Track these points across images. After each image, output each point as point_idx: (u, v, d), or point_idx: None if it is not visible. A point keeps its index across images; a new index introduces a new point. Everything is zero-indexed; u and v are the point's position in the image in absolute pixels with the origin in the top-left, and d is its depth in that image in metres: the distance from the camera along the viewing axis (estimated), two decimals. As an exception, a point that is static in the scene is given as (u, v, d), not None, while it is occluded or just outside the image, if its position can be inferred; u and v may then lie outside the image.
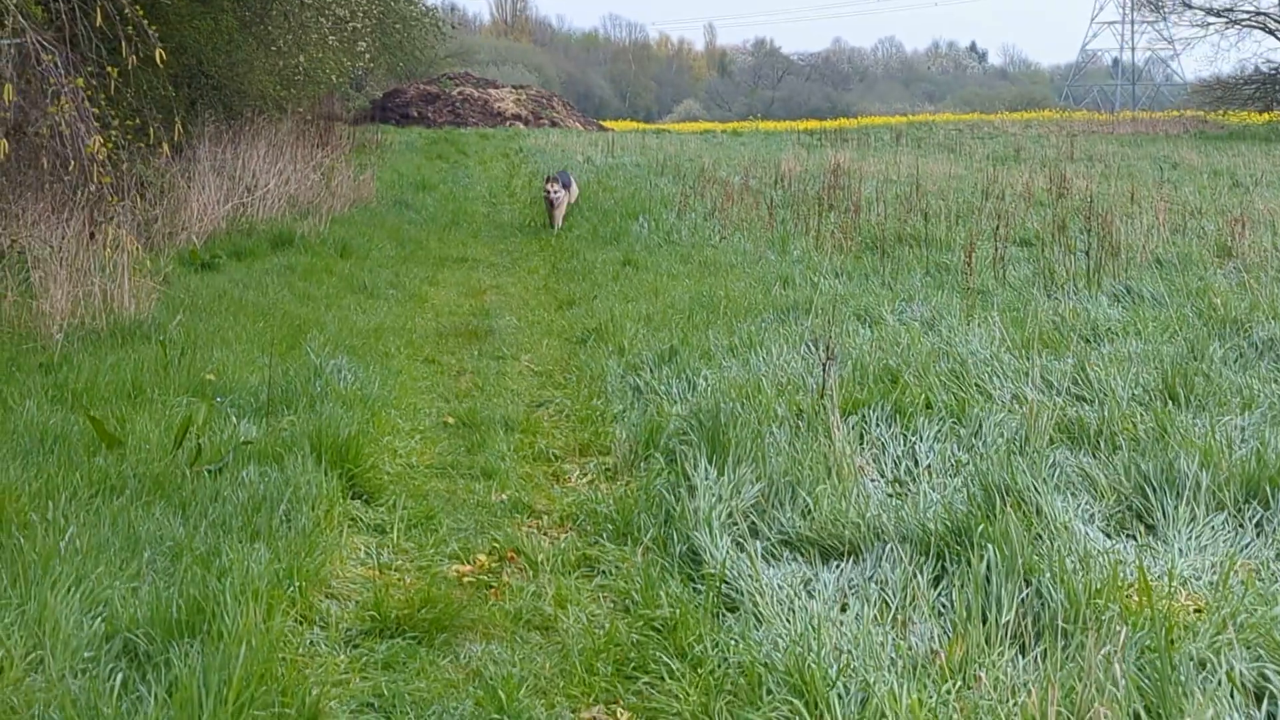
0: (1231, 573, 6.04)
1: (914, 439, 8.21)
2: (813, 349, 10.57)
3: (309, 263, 15.89)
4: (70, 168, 11.98)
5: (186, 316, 11.54)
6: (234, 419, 8.54)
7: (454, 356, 11.61)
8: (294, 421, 8.52)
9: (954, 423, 8.53)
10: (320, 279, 14.94)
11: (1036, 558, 6.03)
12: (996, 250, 15.22)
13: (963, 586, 5.74)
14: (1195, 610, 5.74)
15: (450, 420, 9.38)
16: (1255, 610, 5.52)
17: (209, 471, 7.35)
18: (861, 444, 8.13)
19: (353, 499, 7.58)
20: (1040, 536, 6.42)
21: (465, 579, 6.57)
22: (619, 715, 5.24)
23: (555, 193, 20.45)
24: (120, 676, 4.95)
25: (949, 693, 4.97)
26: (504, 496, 7.74)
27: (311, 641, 5.75)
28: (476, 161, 34.97)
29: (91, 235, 12.22)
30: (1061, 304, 12.62)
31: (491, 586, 6.48)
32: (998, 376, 9.59)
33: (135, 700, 4.81)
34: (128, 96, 15.46)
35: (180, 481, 7.17)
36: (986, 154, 36.33)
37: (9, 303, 10.88)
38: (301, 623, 5.88)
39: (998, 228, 16.34)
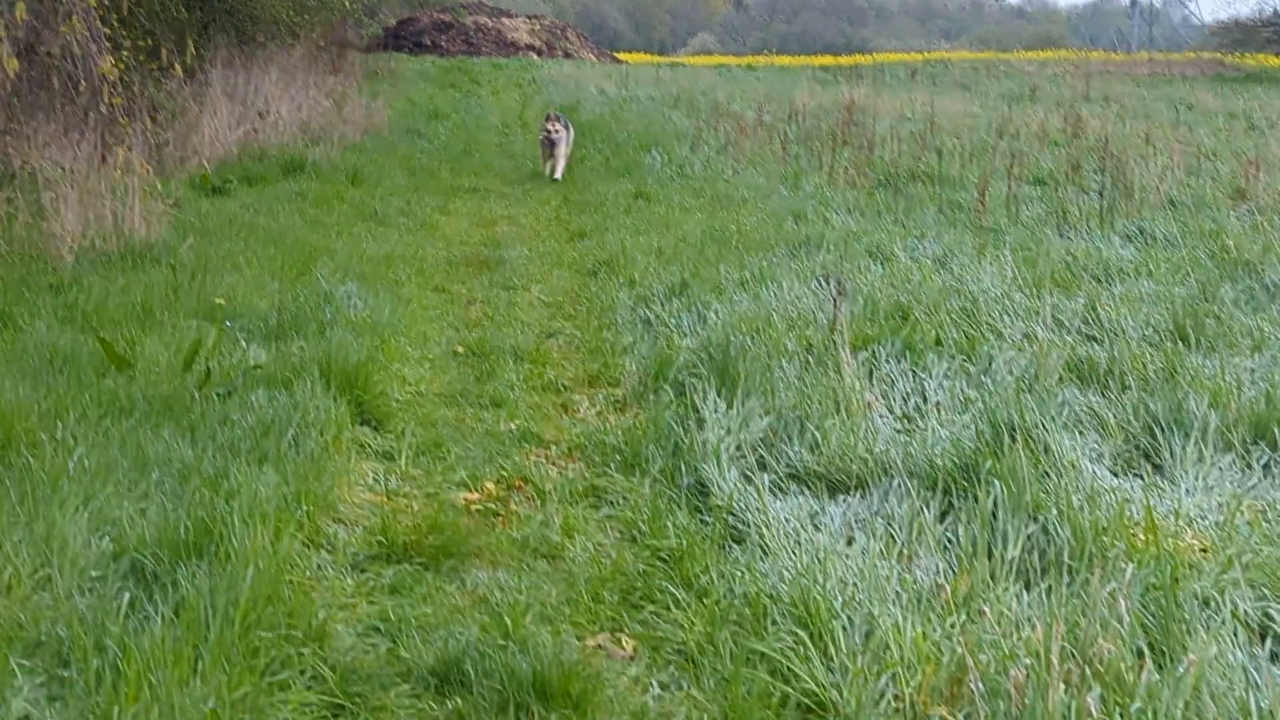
0: (1238, 513, 6.04)
1: (923, 376, 8.20)
2: (824, 284, 10.55)
3: (320, 189, 15.86)
4: (82, 88, 11.94)
5: (197, 240, 11.52)
6: (243, 343, 8.55)
7: (464, 286, 11.60)
8: (303, 347, 8.52)
9: (964, 360, 8.52)
10: (331, 206, 14.91)
11: (1043, 495, 6.03)
12: (1010, 189, 15.16)
13: (969, 522, 5.75)
14: (1201, 549, 5.75)
15: (460, 349, 9.38)
16: (1261, 550, 5.53)
17: (218, 395, 7.36)
18: (871, 380, 8.11)
19: (361, 425, 7.59)
20: (1048, 474, 6.42)
21: (473, 507, 6.58)
22: (624, 643, 5.26)
23: (556, 132, 18.34)
24: (128, 596, 4.96)
25: (953, 627, 4.98)
26: (512, 426, 7.74)
27: (319, 565, 5.77)
28: (489, 91, 34.83)
29: (103, 157, 12.19)
30: (1074, 244, 12.58)
31: (499, 514, 6.50)
32: (1009, 315, 9.58)
33: (143, 619, 4.83)
34: (140, 18, 15.41)
35: (189, 404, 7.18)
36: (1002, 93, 36.14)
37: (20, 223, 10.87)
38: (309, 546, 5.90)
39: (1011, 166, 16.26)
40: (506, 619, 5.20)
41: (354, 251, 12.13)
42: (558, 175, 18.25)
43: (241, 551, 5.25)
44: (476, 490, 6.78)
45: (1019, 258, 11.53)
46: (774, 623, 5.15)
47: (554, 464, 7.20)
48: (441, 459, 7.17)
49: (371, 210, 14.92)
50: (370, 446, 7.33)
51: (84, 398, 7.08)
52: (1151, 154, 18.54)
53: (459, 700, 4.71)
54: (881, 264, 11.76)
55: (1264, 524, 5.92)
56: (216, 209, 13.86)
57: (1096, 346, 8.85)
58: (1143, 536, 5.69)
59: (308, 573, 5.64)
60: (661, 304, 10.22)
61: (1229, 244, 12.06)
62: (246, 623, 4.78)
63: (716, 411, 7.32)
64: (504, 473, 6.98)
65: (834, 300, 9.11)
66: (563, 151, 18.45)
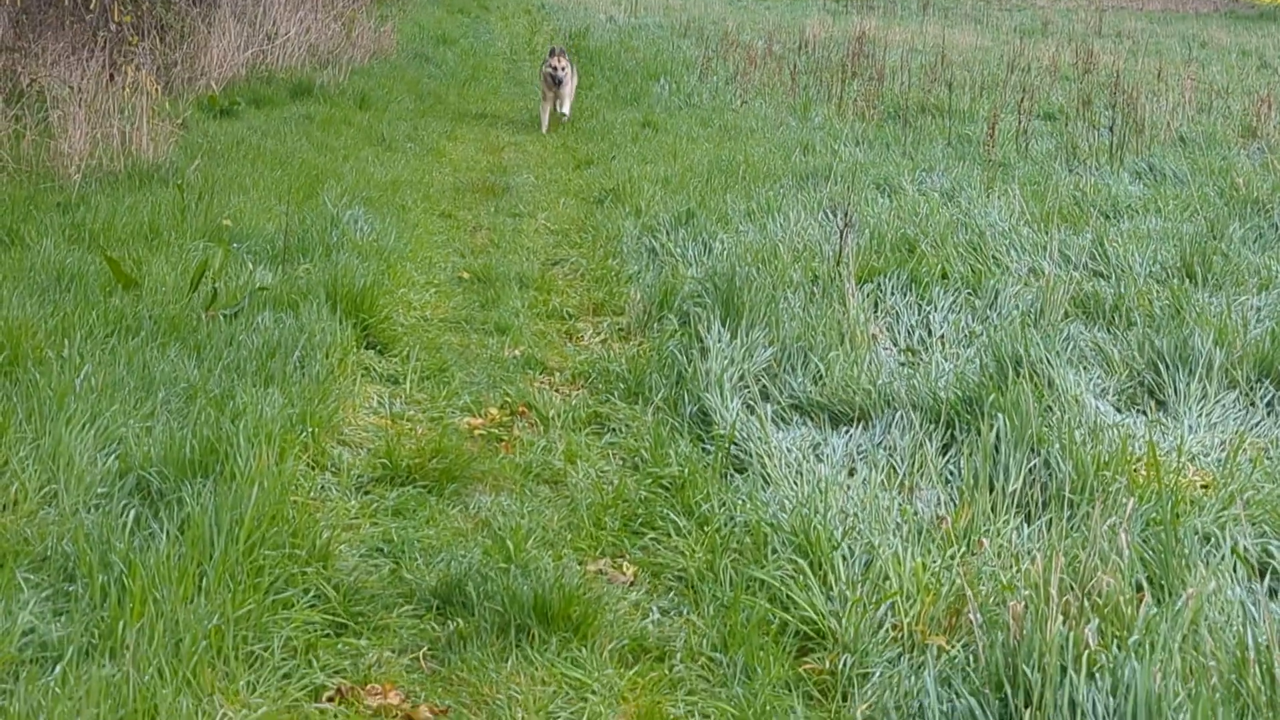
0: (1240, 450, 6.06)
1: (929, 309, 8.21)
2: (830, 216, 10.53)
3: (328, 113, 15.79)
4: (90, 6, 11.88)
5: (204, 162, 11.49)
6: (250, 265, 8.55)
7: (471, 212, 11.58)
8: (310, 270, 8.52)
9: (969, 294, 8.52)
10: (339, 130, 14.85)
11: (1046, 429, 6.05)
12: (1020, 123, 15.10)
13: (971, 455, 5.77)
14: (1202, 486, 5.78)
15: (465, 275, 9.39)
16: (1263, 487, 5.55)
17: (224, 316, 7.37)
18: (876, 312, 8.13)
19: (367, 349, 7.60)
20: (1051, 408, 6.43)
21: (476, 431, 6.61)
22: (625, 569, 5.29)
23: (562, 69, 16.12)
24: (133, 513, 4.99)
25: (952, 558, 5.02)
26: (517, 352, 7.76)
27: (323, 486, 5.80)
28: (498, 17, 34.59)
29: (111, 77, 12.14)
30: (1083, 179, 12.55)
31: (502, 440, 6.52)
32: (1015, 249, 9.56)
33: (147, 536, 4.86)
34: (148, -66, 15.29)
35: (195, 324, 7.19)
36: (1014, 26, 35.86)
37: (27, 142, 10.84)
38: (313, 468, 5.93)
39: (1022, 101, 16.20)
40: (508, 543, 5.24)
41: (361, 176, 12.10)
42: (565, 112, 16.53)
43: (246, 471, 5.28)
44: (480, 415, 6.80)
45: (1027, 192, 11.50)
46: (774, 551, 5.18)
47: (557, 391, 7.22)
48: (446, 384, 7.19)
49: (379, 135, 14.86)
50: (375, 370, 7.35)
51: (91, 316, 7.09)
52: (1163, 90, 18.46)
53: (460, 621, 4.75)
54: (889, 196, 11.73)
55: (1266, 461, 5.95)
56: (224, 131, 13.80)
57: (1103, 282, 8.85)
58: (1144, 472, 5.72)
59: (312, 494, 5.68)
60: (667, 233, 10.21)
61: (1238, 182, 12.02)
62: (251, 541, 4.81)
63: (720, 341, 7.33)
64: (508, 398, 7.00)
65: (840, 232, 9.11)
66: (569, 90, 16.53)
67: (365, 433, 6.48)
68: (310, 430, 6.07)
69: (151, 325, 7.09)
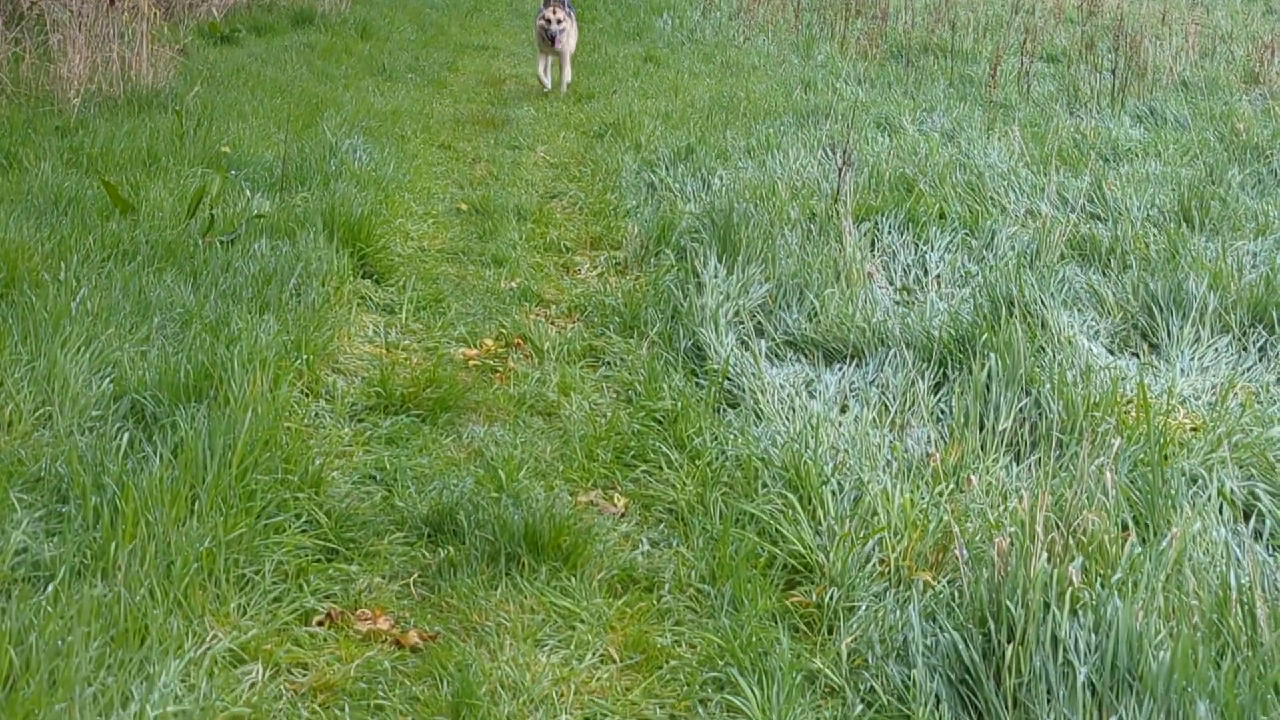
0: (1231, 394, 6.09)
1: (925, 248, 8.20)
2: (830, 154, 10.50)
3: (329, 42, 15.75)
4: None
5: (204, 88, 11.46)
6: (248, 192, 8.55)
7: (470, 144, 11.56)
8: (307, 198, 8.52)
9: (966, 234, 8.51)
10: (339, 59, 14.81)
11: (1038, 369, 6.07)
12: (1022, 65, 15.04)
13: (963, 393, 5.78)
14: (1192, 429, 5.79)
15: (463, 206, 9.38)
16: (1251, 431, 5.57)
17: (221, 242, 7.37)
18: (872, 250, 8.13)
19: (363, 278, 7.61)
20: (1043, 349, 6.45)
21: (471, 362, 6.63)
22: (616, 500, 5.33)
23: (559, 21, 13.75)
24: (127, 436, 5.02)
25: (941, 495, 5.05)
26: (513, 284, 7.77)
27: (316, 414, 5.83)
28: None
29: (111, 1, 12.08)
30: (1083, 122, 12.51)
31: (497, 371, 6.55)
32: (1014, 190, 9.55)
33: (141, 460, 4.89)
34: None
35: (192, 250, 7.19)
36: (1020, -32, 35.66)
37: (26, 65, 10.81)
38: (307, 395, 5.95)
39: (1025, 42, 16.11)
40: (500, 472, 5.27)
41: (361, 105, 12.07)
42: (565, 80, 14.13)
43: (240, 396, 5.30)
44: (475, 346, 6.82)
45: (1027, 134, 11.46)
46: (764, 486, 5.21)
47: (553, 323, 7.24)
48: (441, 314, 7.21)
49: (379, 65, 14.81)
50: (371, 299, 7.36)
51: (88, 240, 7.10)
52: (1167, 34, 18.36)
53: (451, 549, 4.79)
54: (889, 135, 11.70)
55: (1256, 405, 5.96)
56: (224, 58, 13.77)
57: (1100, 225, 8.84)
58: (1134, 414, 5.74)
59: (305, 420, 5.70)
60: (666, 168, 10.20)
61: (1239, 127, 11.98)
62: (244, 466, 4.84)
63: (716, 277, 7.34)
64: (503, 330, 7.02)
65: (839, 170, 9.09)
66: (568, 46, 14.08)
67: (360, 361, 6.50)
68: (305, 358, 6.08)
69: (148, 250, 7.09)
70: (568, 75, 14.17)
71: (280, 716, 3.82)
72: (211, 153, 9.34)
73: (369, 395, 6.06)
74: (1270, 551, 4.78)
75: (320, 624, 4.34)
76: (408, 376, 6.24)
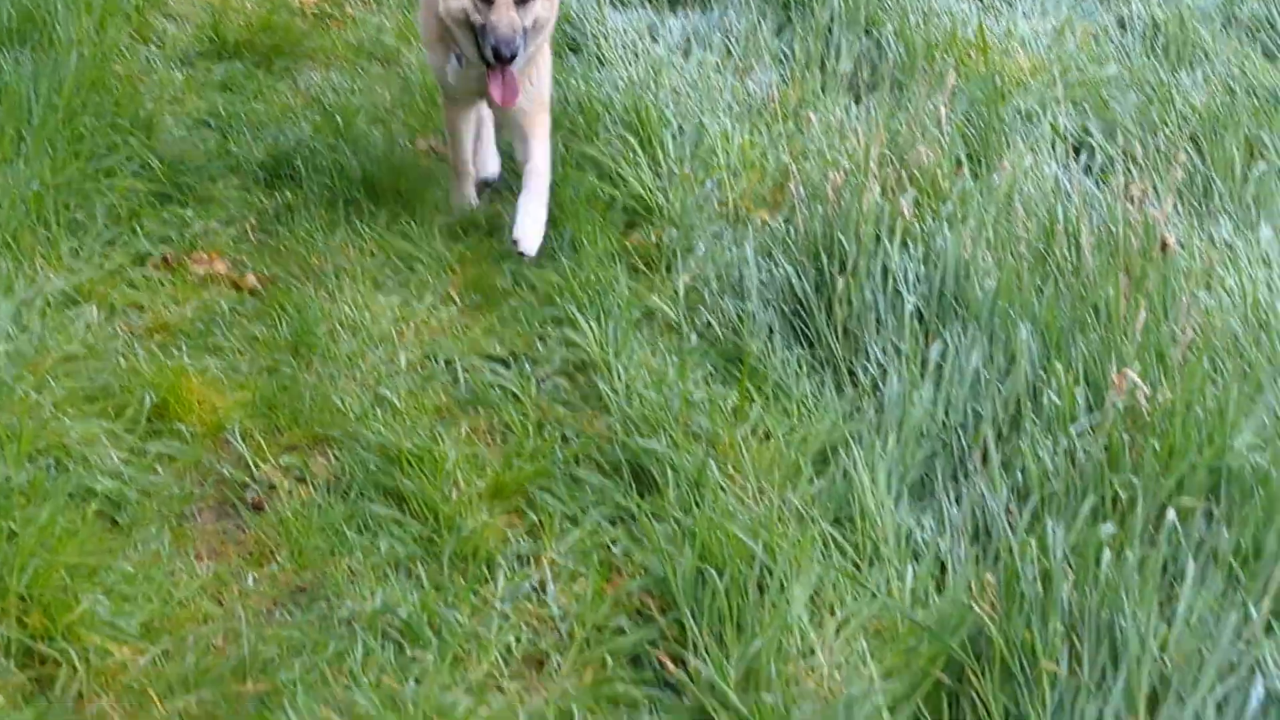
0: (1068, 34, 6.11)
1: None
2: None
3: None
4: None
5: None
6: None
7: None
8: None
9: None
10: None
11: (880, 12, 6.04)
12: None
13: (805, 36, 5.75)
14: (1031, 70, 5.83)
15: None
16: (1086, 69, 5.62)
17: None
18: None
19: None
20: (887, -9, 6.41)
21: (308, 8, 6.45)
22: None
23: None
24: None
25: (780, 135, 5.06)
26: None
27: (147, 59, 5.66)
28: None
29: None
30: None
31: (333, 17, 6.39)
32: None
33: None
34: None
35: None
36: None
37: None
38: (136, 39, 5.77)
39: None
40: (338, 119, 5.19)
41: None
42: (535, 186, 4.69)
43: (65, 39, 5.12)
44: (312, -9, 6.64)
45: None
46: (606, 129, 5.18)
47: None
48: (276, -42, 6.98)
49: None
50: (202, -59, 7.10)
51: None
52: None
53: (288, 194, 4.74)
54: None
55: (1093, 45, 6.00)
56: None
57: None
58: (974, 55, 5.76)
59: (136, 66, 5.54)
60: None
61: None
62: (71, 108, 4.70)
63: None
64: (342, -26, 6.82)
65: None
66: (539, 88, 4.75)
67: (191, 6, 6.28)
68: (133, 1, 5.88)
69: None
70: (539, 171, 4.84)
71: (116, 356, 3.79)
72: None
73: (201, 41, 5.89)
74: (1098, 185, 4.87)
75: (156, 267, 4.29)
76: (242, 23, 6.06)
